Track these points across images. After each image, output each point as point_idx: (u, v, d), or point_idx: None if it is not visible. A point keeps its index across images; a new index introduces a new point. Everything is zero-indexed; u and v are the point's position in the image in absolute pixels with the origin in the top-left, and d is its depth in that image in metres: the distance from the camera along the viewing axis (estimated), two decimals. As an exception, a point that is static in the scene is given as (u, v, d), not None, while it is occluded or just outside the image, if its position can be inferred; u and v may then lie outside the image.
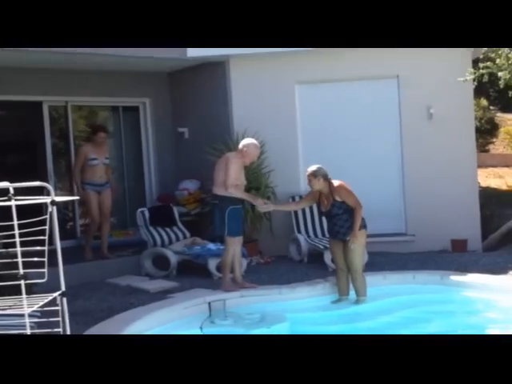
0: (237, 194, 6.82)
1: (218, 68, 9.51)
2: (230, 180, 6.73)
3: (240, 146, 7.04)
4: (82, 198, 8.37)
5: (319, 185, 6.73)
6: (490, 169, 17.98)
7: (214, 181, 6.93)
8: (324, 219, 8.85)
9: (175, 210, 8.94)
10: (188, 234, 8.71)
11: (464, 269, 7.60)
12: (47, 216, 3.24)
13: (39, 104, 9.65)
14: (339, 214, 6.71)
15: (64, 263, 3.46)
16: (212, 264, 7.83)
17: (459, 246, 9.06)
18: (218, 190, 6.82)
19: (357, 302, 6.75)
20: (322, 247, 8.31)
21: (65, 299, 3.37)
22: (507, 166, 18.78)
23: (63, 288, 3.38)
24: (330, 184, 6.72)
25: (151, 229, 8.45)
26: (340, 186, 6.69)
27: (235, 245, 6.93)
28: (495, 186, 15.28)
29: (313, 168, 6.78)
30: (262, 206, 6.97)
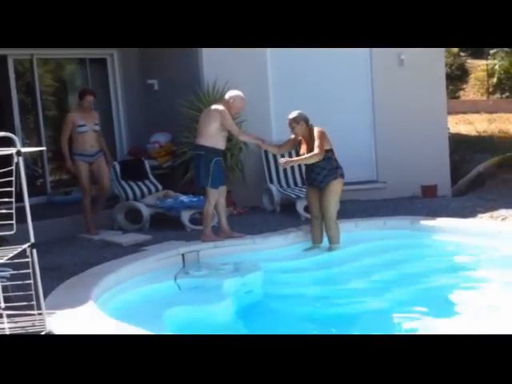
0: (247, 138, 7.29)
1: (185, 17, 9.32)
2: (235, 128, 7.03)
3: (226, 96, 7.05)
4: (72, 170, 7.95)
5: (301, 130, 6.77)
6: (460, 115, 18.14)
7: (200, 132, 6.92)
8: (297, 168, 8.94)
9: (146, 164, 8.88)
10: (160, 187, 8.67)
11: (434, 214, 7.72)
12: (13, 167, 3.20)
13: (4, 58, 9.40)
14: (317, 161, 6.74)
15: (34, 219, 3.44)
16: (185, 216, 7.83)
17: (429, 191, 9.18)
18: (205, 141, 6.83)
19: (330, 249, 6.83)
20: (294, 196, 8.35)
21: (34, 251, 3.36)
22: (477, 113, 18.96)
23: (32, 239, 3.36)
24: (311, 130, 6.74)
25: (123, 183, 8.40)
26: (318, 131, 6.70)
27: (219, 195, 6.99)
28: (465, 132, 15.45)
29: (294, 114, 6.80)
30: (265, 146, 7.24)
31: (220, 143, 6.94)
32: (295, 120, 6.77)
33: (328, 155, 6.73)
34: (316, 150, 6.66)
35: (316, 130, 6.72)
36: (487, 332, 3.26)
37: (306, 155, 6.75)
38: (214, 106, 7.01)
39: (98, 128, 7.98)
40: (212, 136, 6.84)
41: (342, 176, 6.85)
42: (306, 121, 6.79)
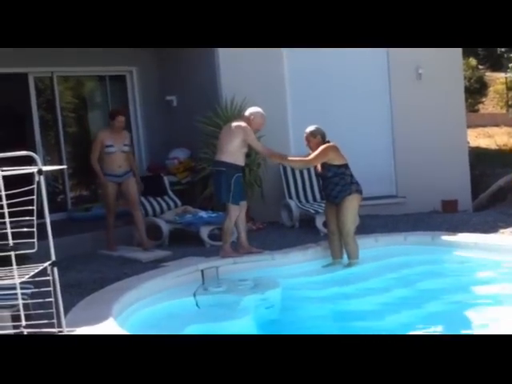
0: (269, 154, 7.18)
1: (204, 34, 9.37)
2: (258, 144, 7.05)
3: (247, 113, 7.10)
4: (99, 189, 7.84)
5: (317, 145, 6.77)
6: (480, 128, 18.01)
7: (221, 148, 6.93)
8: (316, 183, 8.93)
9: (166, 180, 8.93)
10: (179, 203, 8.70)
11: (454, 229, 7.65)
12: (34, 186, 3.23)
13: (25, 76, 9.53)
14: (330, 177, 6.73)
15: (55, 236, 3.46)
16: (204, 232, 7.84)
17: (450, 206, 9.10)
18: (226, 158, 6.84)
19: (349, 265, 6.78)
20: (313, 212, 8.33)
21: (55, 268, 3.37)
22: (496, 126, 18.82)
23: (53, 258, 3.38)
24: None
25: (142, 199, 8.43)
26: (325, 147, 6.71)
27: (239, 211, 6.99)
28: (485, 146, 15.34)
29: (311, 128, 6.83)
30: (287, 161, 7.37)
31: (240, 159, 6.96)
32: (312, 134, 6.79)
33: (340, 170, 6.70)
34: (308, 157, 6.76)
35: (324, 146, 6.72)
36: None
37: (295, 158, 6.98)
38: (235, 123, 7.04)
39: (127, 149, 7.83)
40: (233, 152, 6.85)
41: (358, 192, 6.78)
42: (323, 136, 6.80)
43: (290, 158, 7.11)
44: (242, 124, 6.93)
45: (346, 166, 6.76)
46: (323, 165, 6.76)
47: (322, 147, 6.71)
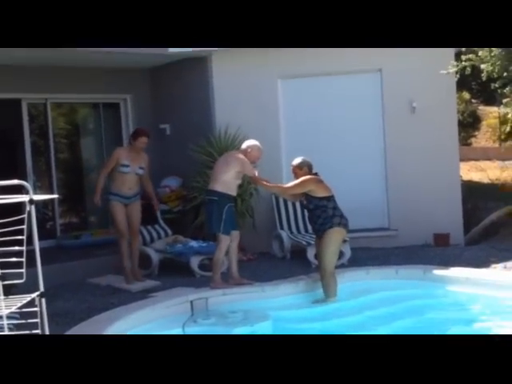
0: (256, 181, 7.09)
1: (199, 63, 9.43)
2: (255, 175, 6.96)
3: (244, 146, 7.10)
4: (109, 210, 7.50)
5: (303, 176, 6.73)
6: (472, 162, 18.09)
7: (215, 178, 6.90)
8: (307, 215, 8.89)
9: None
10: (170, 232, 8.64)
11: (446, 263, 7.61)
12: (25, 215, 3.18)
13: (18, 101, 9.53)
14: (311, 210, 6.73)
15: (43, 264, 3.41)
16: (194, 262, 7.77)
17: (442, 240, 9.08)
18: (219, 187, 6.81)
19: (323, 301, 6.63)
20: (304, 243, 8.28)
21: (43, 300, 3.31)
22: (489, 160, 18.92)
23: (42, 288, 3.32)
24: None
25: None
26: (305, 179, 6.70)
27: (231, 241, 6.94)
28: (477, 180, 15.38)
29: (297, 160, 6.82)
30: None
31: (233, 189, 6.94)
32: (298, 166, 6.80)
33: (322, 203, 6.65)
34: (285, 185, 6.83)
35: (304, 177, 6.69)
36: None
37: (271, 184, 6.99)
38: (233, 154, 7.07)
39: (141, 172, 7.51)
40: (227, 182, 6.84)
41: (341, 225, 6.66)
42: (310, 167, 6.79)
43: (266, 183, 6.98)
44: (240, 155, 6.95)
45: (328, 198, 6.69)
46: (306, 197, 6.74)
47: (301, 178, 6.70)
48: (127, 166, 7.35)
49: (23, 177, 8.93)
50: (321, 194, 6.65)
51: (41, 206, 9.86)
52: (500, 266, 7.48)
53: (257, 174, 6.96)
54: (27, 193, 3.30)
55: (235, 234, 7.03)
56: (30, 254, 3.29)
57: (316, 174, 6.79)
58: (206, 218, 7.21)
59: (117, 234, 7.52)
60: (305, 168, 6.76)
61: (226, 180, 6.84)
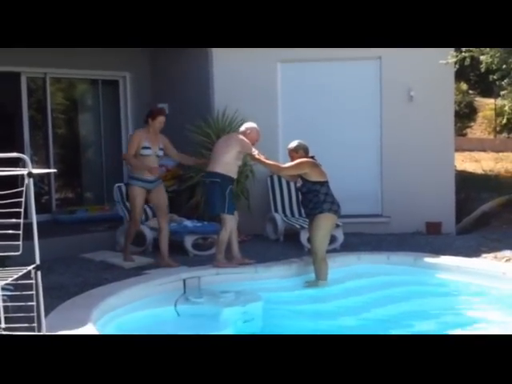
0: (264, 162, 7.00)
1: (199, 44, 9.41)
2: (254, 151, 6.94)
3: (243, 128, 7.15)
4: (129, 193, 7.33)
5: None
6: (467, 153, 18.16)
7: (216, 159, 6.93)
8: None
9: (153, 187, 8.88)
10: (165, 211, 8.66)
11: (437, 251, 7.70)
12: (23, 188, 3.22)
13: (17, 75, 9.51)
14: (304, 193, 6.80)
15: (38, 237, 3.45)
16: (188, 241, 7.83)
17: (433, 228, 9.16)
18: (221, 169, 6.86)
19: (314, 284, 6.73)
20: (298, 226, 8.35)
21: (39, 273, 3.36)
22: (483, 151, 18.99)
23: (38, 261, 3.37)
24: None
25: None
26: (301, 161, 6.74)
27: (232, 222, 6.98)
28: (471, 170, 15.46)
29: (293, 144, 6.87)
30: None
31: (234, 171, 7.01)
32: (294, 149, 6.85)
33: (315, 187, 6.70)
34: (282, 165, 6.85)
35: (301, 159, 6.74)
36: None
37: (270, 162, 6.95)
38: (232, 135, 7.15)
39: (161, 153, 7.33)
40: (228, 163, 6.89)
41: (331, 211, 6.71)
42: (306, 150, 6.84)
43: (264, 159, 6.97)
44: (240, 136, 6.99)
45: (322, 183, 6.73)
46: (301, 179, 6.81)
47: (298, 160, 6.75)
48: (149, 148, 7.16)
49: (20, 150, 8.92)
50: (315, 178, 6.71)
51: (37, 180, 9.89)
52: (490, 255, 7.57)
53: (256, 153, 6.99)
54: (24, 166, 3.34)
55: (235, 214, 7.08)
56: (26, 227, 3.33)
57: (313, 157, 6.84)
58: (209, 199, 7.19)
59: (130, 219, 7.36)
60: (300, 151, 6.81)
61: (227, 161, 6.88)
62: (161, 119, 7.27)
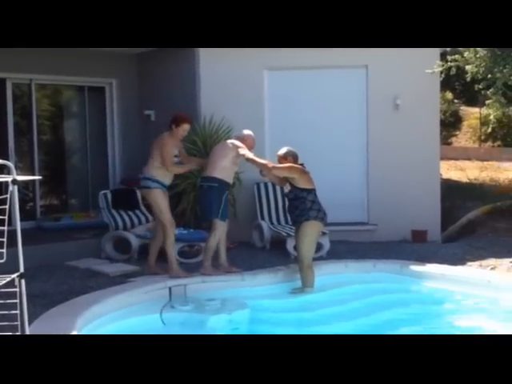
0: (259, 162, 6.90)
1: (187, 51, 9.41)
2: (249, 152, 6.89)
3: (240, 134, 7.15)
4: (148, 197, 7.01)
5: None
6: (452, 161, 18.25)
7: (213, 164, 6.89)
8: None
9: (138, 194, 8.86)
10: (150, 218, 8.64)
11: (423, 259, 7.72)
12: (7, 196, 3.18)
13: (3, 81, 9.45)
14: (291, 199, 6.81)
15: (23, 245, 3.40)
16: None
17: (419, 236, 9.20)
18: (218, 174, 6.83)
19: (300, 291, 6.73)
20: (284, 234, 8.34)
21: (23, 281, 3.32)
22: (468, 159, 19.09)
23: (22, 269, 3.32)
24: None
25: (113, 212, 8.37)
26: (291, 165, 6.74)
27: (223, 228, 6.95)
28: (456, 179, 15.53)
29: (283, 150, 6.88)
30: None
31: (231, 177, 7.02)
32: (283, 156, 6.85)
33: (302, 194, 6.70)
34: (271, 164, 6.78)
35: (292, 164, 6.75)
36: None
37: (261, 161, 6.85)
38: (228, 141, 7.14)
39: (177, 160, 7.10)
40: (226, 169, 6.89)
41: (317, 219, 6.72)
42: (295, 157, 6.84)
43: (257, 159, 6.90)
44: (236, 141, 7.01)
45: (309, 190, 6.74)
46: (290, 185, 6.81)
47: (289, 164, 6.75)
48: (176, 156, 7.01)
49: (5, 157, 8.80)
50: (303, 185, 6.71)
51: (21, 187, 9.81)
52: (476, 263, 7.60)
53: (250, 154, 6.95)
54: (9, 173, 3.30)
55: (226, 222, 7.08)
56: (10, 235, 3.29)
57: (302, 164, 6.85)
58: (204, 204, 7.05)
59: (163, 223, 6.91)
60: (289, 158, 6.81)
61: (225, 166, 6.87)
62: (185, 127, 7.04)
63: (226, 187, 6.92)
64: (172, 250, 6.92)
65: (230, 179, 7.00)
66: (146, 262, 7.21)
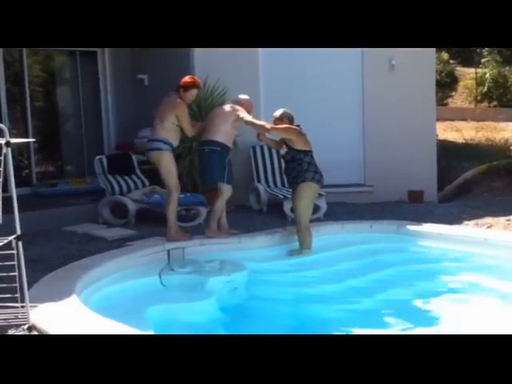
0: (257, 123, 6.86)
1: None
2: (245, 114, 6.82)
3: (238, 97, 7.09)
4: (158, 159, 6.80)
5: None
6: (448, 122, 18.21)
7: (213, 128, 6.82)
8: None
9: (134, 159, 8.82)
10: (147, 183, 8.63)
11: (420, 219, 7.74)
12: (1, 158, 3.16)
13: (-7, 48, 9.33)
14: (288, 161, 6.79)
15: (18, 211, 3.40)
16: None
17: (416, 196, 9.22)
18: (220, 138, 6.76)
19: (298, 253, 6.76)
20: (281, 197, 8.34)
21: (20, 243, 3.32)
22: (464, 120, 19.05)
23: (18, 231, 3.32)
24: None
25: (109, 177, 8.33)
26: (288, 126, 6.71)
27: (230, 192, 6.92)
28: (452, 139, 15.53)
29: (279, 112, 6.83)
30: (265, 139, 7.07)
31: (231, 141, 6.96)
32: (279, 118, 6.81)
33: (299, 156, 6.69)
34: (269, 125, 6.71)
35: (289, 125, 6.71)
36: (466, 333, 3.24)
37: (258, 122, 6.82)
38: (226, 105, 7.05)
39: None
40: (227, 133, 6.83)
41: (314, 180, 6.71)
42: (290, 119, 6.80)
43: (255, 121, 6.85)
44: (234, 105, 6.95)
45: (306, 152, 6.71)
46: (286, 146, 6.80)
47: (287, 125, 6.71)
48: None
49: (-2, 123, 8.80)
50: (299, 146, 6.68)
51: (16, 154, 9.76)
52: (472, 222, 7.63)
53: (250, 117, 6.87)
54: (3, 136, 3.27)
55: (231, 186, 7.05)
56: (5, 201, 3.28)
57: (298, 126, 6.81)
58: (206, 168, 6.94)
59: (168, 187, 6.88)
60: (285, 119, 6.77)
61: (226, 130, 6.82)
62: (193, 92, 6.87)
63: (227, 151, 6.87)
64: (174, 214, 6.86)
65: (230, 143, 6.95)
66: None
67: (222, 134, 6.80)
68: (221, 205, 6.89)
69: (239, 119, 6.87)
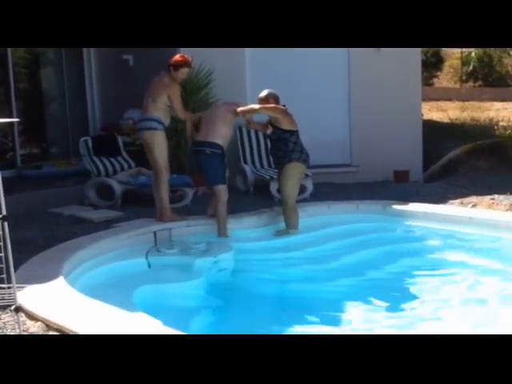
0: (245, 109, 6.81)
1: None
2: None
3: (263, 96, 6.86)
4: (151, 139, 6.68)
5: None
6: (433, 102, 18.27)
7: (213, 129, 6.67)
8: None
9: (120, 140, 8.78)
10: (133, 164, 8.59)
11: (405, 199, 7.79)
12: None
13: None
14: (273, 140, 6.80)
15: (4, 193, 3.37)
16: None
17: (401, 176, 9.27)
18: (220, 141, 6.67)
19: (284, 233, 6.77)
20: (268, 178, 8.35)
21: (6, 224, 3.30)
22: (450, 100, 19.12)
23: (4, 212, 3.31)
24: None
25: (95, 158, 8.29)
26: (277, 106, 6.69)
27: (226, 192, 6.79)
28: (437, 119, 15.58)
29: (264, 93, 6.81)
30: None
31: (227, 142, 6.88)
32: (265, 98, 6.78)
33: (284, 136, 6.68)
34: (257, 106, 6.69)
35: (276, 105, 6.69)
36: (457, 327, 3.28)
37: (245, 108, 6.76)
38: (223, 106, 7.00)
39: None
40: (227, 136, 6.79)
41: (300, 160, 6.72)
42: (276, 99, 6.78)
43: (245, 108, 6.80)
44: (229, 102, 6.95)
45: (292, 132, 6.70)
46: (272, 126, 6.79)
47: (273, 105, 6.69)
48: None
49: (-19, 105, 8.72)
50: (285, 126, 6.68)
51: (0, 136, 9.69)
52: (457, 201, 7.69)
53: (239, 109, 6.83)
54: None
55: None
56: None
57: (284, 105, 6.80)
58: (210, 170, 6.79)
59: (158, 168, 6.79)
60: (271, 100, 6.75)
61: (226, 132, 6.76)
62: (184, 71, 6.77)
63: (224, 153, 6.83)
64: (167, 195, 6.79)
65: (226, 145, 6.86)
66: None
67: (223, 137, 6.73)
68: (223, 209, 6.70)
69: (235, 117, 6.84)
